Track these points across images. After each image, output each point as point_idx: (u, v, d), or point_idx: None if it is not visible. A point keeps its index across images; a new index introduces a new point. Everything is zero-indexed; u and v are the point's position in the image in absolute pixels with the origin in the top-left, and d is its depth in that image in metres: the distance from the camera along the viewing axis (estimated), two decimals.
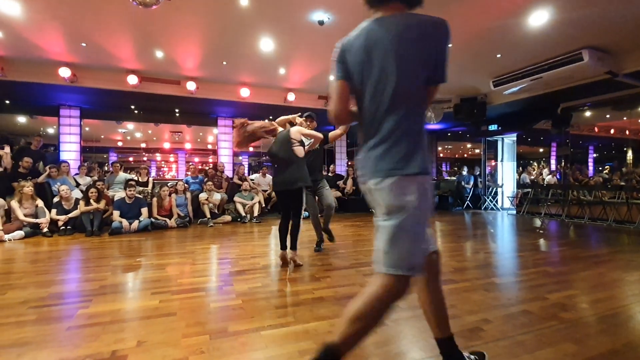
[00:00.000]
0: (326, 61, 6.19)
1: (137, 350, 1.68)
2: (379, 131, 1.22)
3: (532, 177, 9.88)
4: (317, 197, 3.96)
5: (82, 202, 5.24)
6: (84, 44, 5.34)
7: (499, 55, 5.75)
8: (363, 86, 1.26)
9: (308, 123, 3.67)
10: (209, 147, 15.08)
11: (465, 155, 17.91)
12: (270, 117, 9.32)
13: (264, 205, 7.12)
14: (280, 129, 3.45)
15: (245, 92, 7.40)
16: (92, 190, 5.36)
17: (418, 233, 1.20)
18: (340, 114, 1.31)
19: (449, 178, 11.40)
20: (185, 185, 6.53)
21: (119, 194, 5.97)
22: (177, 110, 8.76)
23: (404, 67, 1.18)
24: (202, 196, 6.45)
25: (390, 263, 1.19)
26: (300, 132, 3.33)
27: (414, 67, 1.19)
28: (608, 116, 8.68)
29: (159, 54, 5.75)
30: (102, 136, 13.18)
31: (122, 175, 6.75)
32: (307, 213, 3.95)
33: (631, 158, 7.87)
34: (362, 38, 1.27)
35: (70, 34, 5.04)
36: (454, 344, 1.46)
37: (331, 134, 3.56)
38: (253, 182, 7.37)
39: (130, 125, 11.83)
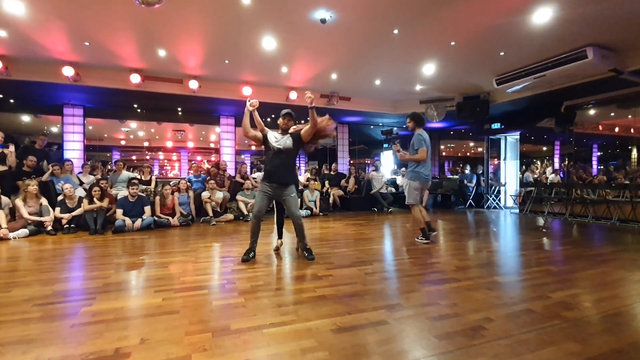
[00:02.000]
0: (328, 59, 6.19)
1: (140, 347, 1.69)
2: (429, 163, 4.28)
3: (535, 176, 9.84)
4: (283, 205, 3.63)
5: (85, 201, 5.27)
6: (87, 43, 5.37)
7: (502, 53, 5.72)
8: (428, 150, 4.21)
9: (286, 121, 3.50)
10: (212, 145, 15.11)
11: (468, 154, 17.86)
12: (273, 116, 9.36)
13: None
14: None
15: (247, 91, 7.40)
16: (96, 188, 5.38)
17: None
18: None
19: (451, 177, 11.37)
20: (188, 183, 6.55)
21: (122, 192, 6.00)
22: (179, 109, 8.78)
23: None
24: (205, 195, 6.47)
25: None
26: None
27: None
28: (612, 114, 8.61)
29: (162, 52, 5.76)
30: (105, 135, 13.24)
31: (125, 174, 6.78)
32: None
33: (636, 156, 7.81)
34: (428, 136, 4.28)
35: (74, 33, 5.06)
36: None
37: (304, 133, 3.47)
38: (255, 181, 7.38)
39: (133, 124, 11.86)
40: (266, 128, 3.59)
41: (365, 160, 14.61)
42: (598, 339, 1.79)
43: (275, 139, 3.48)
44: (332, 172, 9.09)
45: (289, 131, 3.55)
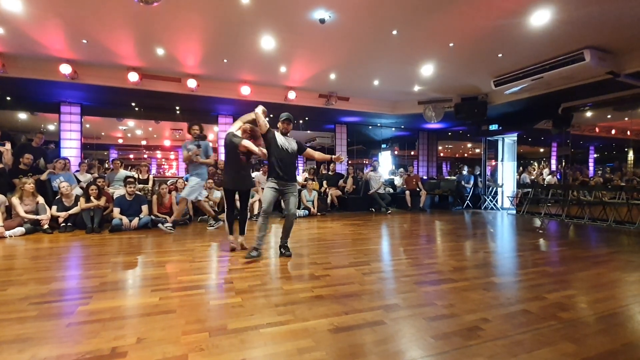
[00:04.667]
0: (327, 59, 6.19)
1: (136, 347, 1.69)
2: None
3: (533, 177, 9.88)
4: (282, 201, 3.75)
5: (82, 199, 5.24)
6: (84, 41, 5.34)
7: (500, 55, 5.73)
8: None
9: (285, 125, 3.64)
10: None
11: (466, 155, 17.90)
12: (272, 115, 9.35)
13: None
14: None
15: (245, 90, 7.39)
16: (93, 187, 5.36)
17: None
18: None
19: (449, 177, 11.40)
20: (186, 182, 6.52)
21: (119, 191, 5.97)
22: (177, 108, 8.75)
23: None
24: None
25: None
26: (246, 145, 3.62)
27: None
28: (609, 116, 8.66)
29: (160, 51, 5.74)
30: (103, 133, 13.16)
31: (123, 173, 6.74)
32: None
33: (632, 159, 7.87)
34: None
35: (71, 31, 5.03)
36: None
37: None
38: (254, 181, 7.36)
39: (130, 123, 11.80)
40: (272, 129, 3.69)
41: (364, 160, 14.62)
42: (593, 340, 1.81)
43: (281, 140, 3.60)
44: (330, 172, 9.08)
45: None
